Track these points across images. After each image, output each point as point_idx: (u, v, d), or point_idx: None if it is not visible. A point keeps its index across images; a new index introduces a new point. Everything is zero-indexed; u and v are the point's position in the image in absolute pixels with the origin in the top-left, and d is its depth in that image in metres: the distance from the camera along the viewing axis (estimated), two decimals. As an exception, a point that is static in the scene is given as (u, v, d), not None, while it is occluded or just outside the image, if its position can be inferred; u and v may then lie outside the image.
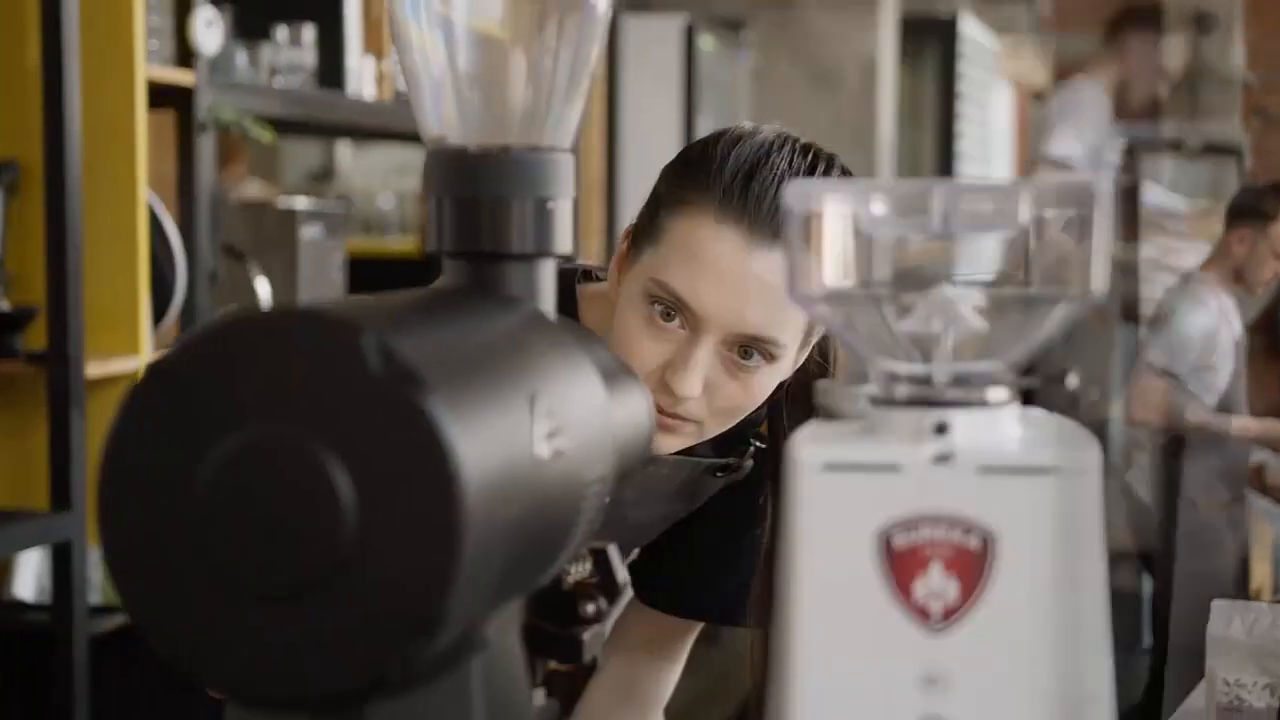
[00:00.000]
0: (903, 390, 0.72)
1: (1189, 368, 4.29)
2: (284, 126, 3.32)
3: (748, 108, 5.34)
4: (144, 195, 2.59)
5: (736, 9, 5.44)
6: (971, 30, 7.63)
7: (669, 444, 1.31)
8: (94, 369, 2.49)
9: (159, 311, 2.68)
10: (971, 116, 7.88)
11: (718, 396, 1.29)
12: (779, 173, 1.26)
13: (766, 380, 1.29)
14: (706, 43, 4.97)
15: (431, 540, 0.61)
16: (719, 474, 1.43)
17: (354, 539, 0.61)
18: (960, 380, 0.72)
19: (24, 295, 2.51)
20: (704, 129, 6.36)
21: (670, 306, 1.27)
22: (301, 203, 3.25)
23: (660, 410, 1.27)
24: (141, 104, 2.58)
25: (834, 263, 0.73)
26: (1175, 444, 4.36)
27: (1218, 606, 1.92)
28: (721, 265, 1.24)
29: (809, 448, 0.70)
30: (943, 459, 0.69)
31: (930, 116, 7.53)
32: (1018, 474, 0.69)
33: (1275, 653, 1.83)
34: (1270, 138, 9.90)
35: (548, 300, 0.84)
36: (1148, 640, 4.42)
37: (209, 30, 2.73)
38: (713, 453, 1.43)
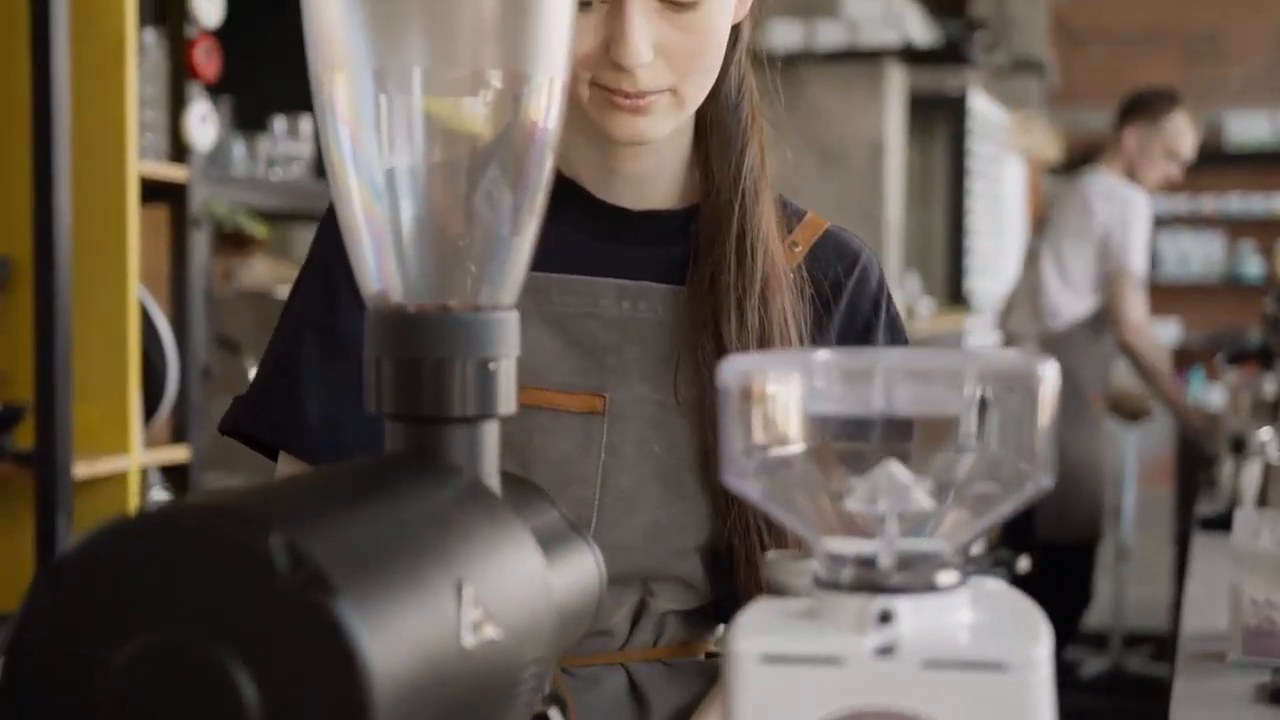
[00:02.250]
0: (847, 574, 0.69)
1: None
2: (284, 213, 3.31)
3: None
4: (135, 292, 2.58)
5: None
6: (981, 105, 7.64)
7: (650, 126, 1.21)
8: (82, 469, 2.47)
9: (151, 408, 2.66)
10: (982, 191, 7.88)
11: (673, 53, 1.18)
12: None
13: (715, 14, 1.19)
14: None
15: (337, 756, 0.58)
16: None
17: (256, 754, 0.58)
18: (906, 562, 0.69)
19: (13, 393, 2.49)
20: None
21: None
22: (300, 292, 3.23)
23: (623, 94, 1.19)
24: (134, 200, 2.57)
25: (772, 439, 0.70)
26: (1071, 335, 4.39)
27: (1242, 515, 1.78)
28: None
29: (748, 639, 0.67)
30: (886, 651, 0.66)
31: (940, 192, 7.53)
32: (964, 669, 0.66)
33: None
34: (1074, 55, 9.89)
35: (490, 463, 0.81)
36: None
37: (203, 125, 2.73)
38: None
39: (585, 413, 1.24)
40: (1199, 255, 10.27)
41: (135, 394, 2.59)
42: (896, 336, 1.34)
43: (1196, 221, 10.26)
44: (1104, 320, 4.42)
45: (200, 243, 2.77)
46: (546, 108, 0.82)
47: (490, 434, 0.81)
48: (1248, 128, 10.07)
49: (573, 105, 1.23)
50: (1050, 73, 9.84)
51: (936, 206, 7.54)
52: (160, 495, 2.89)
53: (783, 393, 0.70)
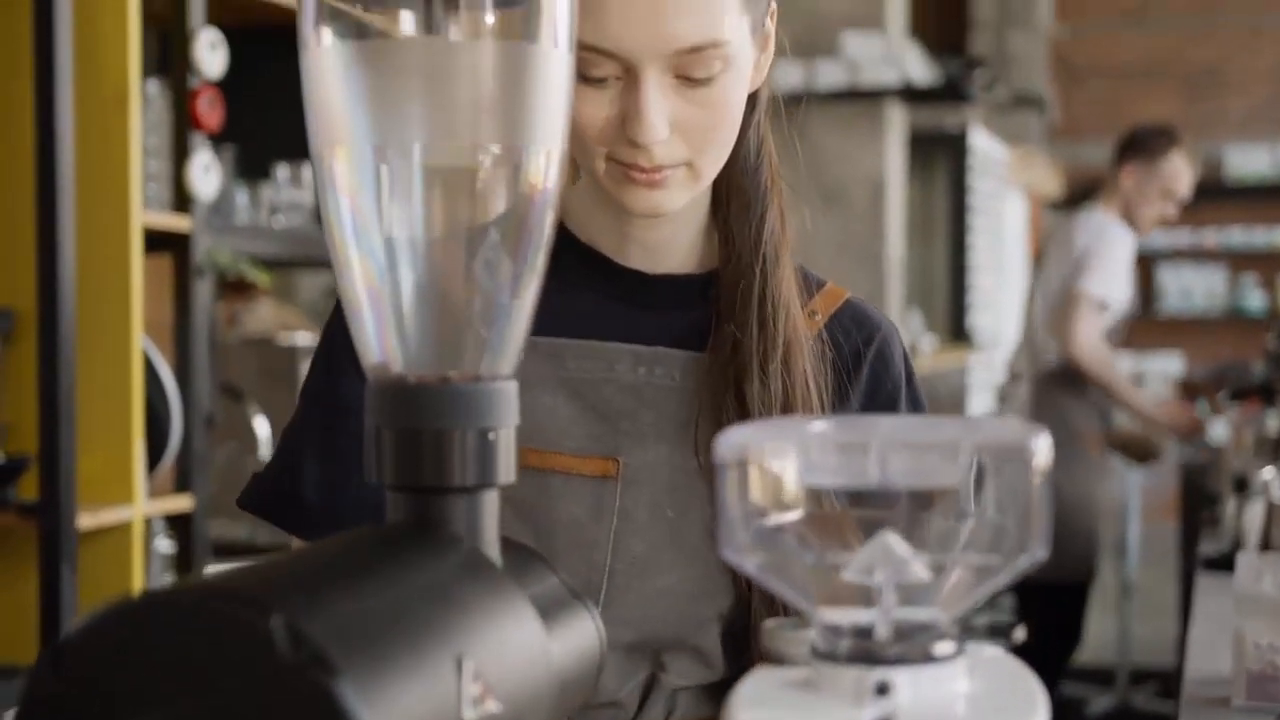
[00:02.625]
0: (844, 645, 0.69)
1: (1119, 304, 4.36)
2: (287, 260, 3.33)
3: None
4: (139, 342, 2.59)
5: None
6: (981, 142, 7.66)
7: (666, 200, 1.20)
8: (86, 520, 2.47)
9: (155, 458, 2.67)
10: (983, 227, 7.90)
11: (688, 128, 1.17)
12: None
13: (731, 89, 1.18)
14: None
15: (337, 839, 0.58)
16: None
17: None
18: (904, 632, 0.70)
19: (18, 444, 2.50)
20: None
21: (594, 63, 1.14)
22: (303, 338, 3.25)
23: (639, 169, 1.18)
24: (138, 251, 2.59)
25: (768, 511, 0.71)
26: (1066, 374, 4.40)
27: (1244, 558, 1.77)
28: None
29: (747, 711, 0.68)
30: (883, 724, 0.67)
31: (942, 228, 7.55)
32: (961, 741, 0.66)
33: None
34: (1074, 90, 9.93)
35: (490, 532, 0.82)
36: None
37: (206, 175, 2.74)
38: None
39: (598, 477, 1.24)
40: (1201, 288, 10.29)
41: (139, 444, 2.60)
42: (919, 413, 1.33)
43: (1199, 255, 10.28)
44: None
45: (203, 291, 2.78)
46: (544, 179, 0.83)
47: (490, 503, 0.82)
48: (1248, 161, 10.10)
49: (589, 175, 1.23)
50: (1051, 108, 9.88)
51: (938, 243, 7.55)
52: (164, 544, 2.90)
53: (779, 465, 0.70)
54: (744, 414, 1.23)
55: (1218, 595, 2.55)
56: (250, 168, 3.12)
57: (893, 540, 0.71)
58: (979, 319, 7.77)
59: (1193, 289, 10.32)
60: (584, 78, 1.16)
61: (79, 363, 2.48)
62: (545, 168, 0.83)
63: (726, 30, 1.15)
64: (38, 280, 2.44)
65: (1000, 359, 8.40)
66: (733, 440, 0.71)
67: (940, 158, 7.36)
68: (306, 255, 3.22)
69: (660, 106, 1.15)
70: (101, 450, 2.56)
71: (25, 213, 2.49)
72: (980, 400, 7.58)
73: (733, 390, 1.23)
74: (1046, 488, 0.69)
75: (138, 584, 2.61)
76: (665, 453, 1.24)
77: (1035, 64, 9.81)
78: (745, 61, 1.19)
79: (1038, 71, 9.82)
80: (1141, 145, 4.48)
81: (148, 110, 2.70)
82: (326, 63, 0.80)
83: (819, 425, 0.73)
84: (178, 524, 2.83)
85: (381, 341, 0.83)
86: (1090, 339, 4.32)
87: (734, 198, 1.28)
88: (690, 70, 1.15)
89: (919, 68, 5.76)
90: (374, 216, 0.81)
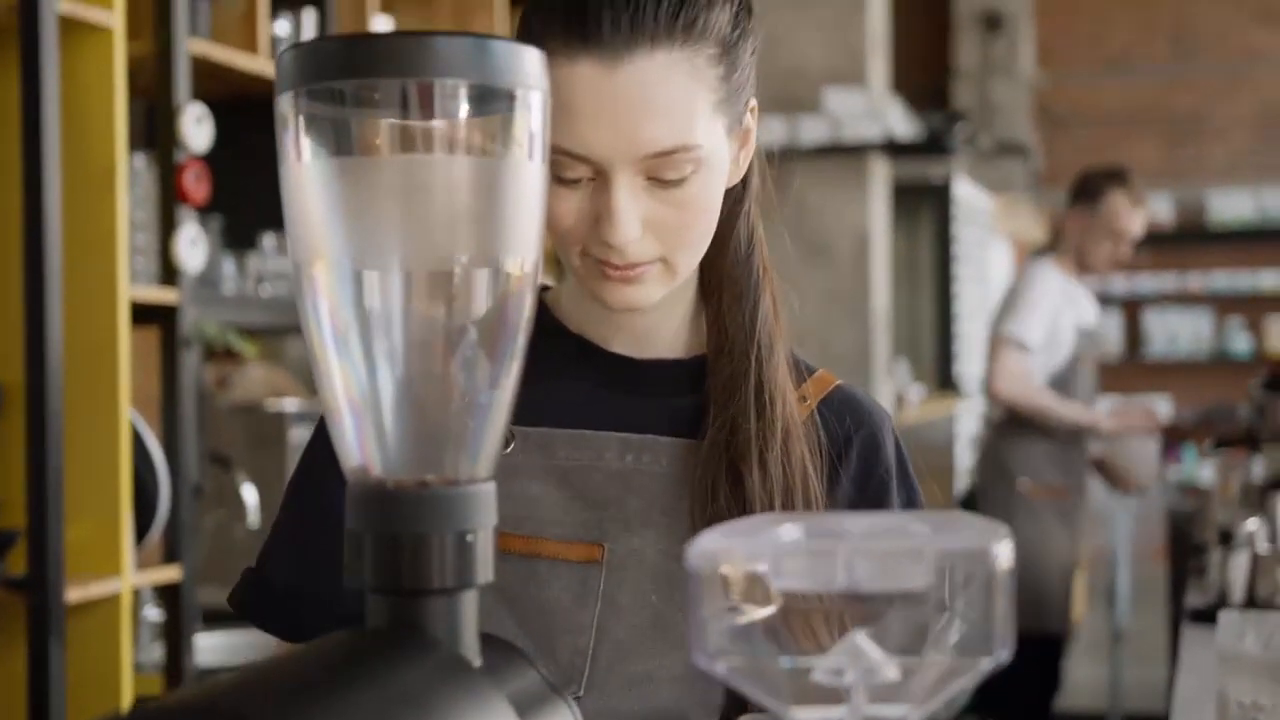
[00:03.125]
0: (815, 746, 0.71)
1: (1039, 343, 4.37)
2: (275, 329, 3.34)
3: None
4: (126, 415, 2.60)
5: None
6: (965, 192, 7.72)
7: (641, 295, 1.20)
8: (75, 593, 2.48)
9: (143, 529, 2.68)
10: (969, 275, 7.94)
11: (661, 227, 1.18)
12: None
13: (704, 188, 1.19)
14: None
15: None
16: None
17: None
18: (874, 732, 0.71)
19: (6, 518, 2.51)
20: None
21: (567, 165, 1.16)
22: (291, 404, 3.26)
23: (613, 265, 1.18)
24: (125, 324, 2.60)
25: (739, 615, 0.73)
26: (1007, 424, 4.42)
27: (1226, 617, 1.77)
28: (590, 99, 1.14)
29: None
30: (853, 825, 0.68)
31: (927, 278, 7.59)
32: (928, 842, 0.68)
33: None
34: (1058, 138, 10.00)
35: (469, 632, 0.83)
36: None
37: (193, 249, 2.77)
38: None
39: (583, 562, 1.25)
40: (1188, 333, 10.34)
41: (127, 516, 2.61)
42: (913, 499, 1.33)
43: (1184, 299, 10.34)
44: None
45: (190, 363, 2.80)
46: (520, 286, 0.85)
47: (469, 603, 0.83)
48: (1231, 206, 10.17)
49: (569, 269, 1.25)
50: (1034, 155, 9.95)
51: (924, 292, 7.59)
52: (153, 613, 2.90)
53: (750, 571, 0.72)
54: (742, 501, 1.23)
55: (1203, 648, 2.56)
56: (237, 237, 3.14)
57: (863, 641, 0.73)
58: (966, 367, 7.80)
59: (1179, 333, 10.37)
60: (558, 178, 1.17)
61: (67, 436, 2.50)
62: (521, 276, 0.85)
63: (698, 134, 1.16)
64: (25, 354, 2.46)
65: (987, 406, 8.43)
66: (704, 547, 0.73)
67: (925, 208, 7.41)
68: (294, 323, 3.24)
69: (631, 208, 1.16)
70: (89, 523, 2.57)
71: (13, 286, 2.50)
72: (968, 450, 7.61)
73: (729, 478, 1.24)
74: (1009, 591, 0.70)
75: (126, 656, 2.61)
76: (652, 538, 1.25)
77: (1018, 112, 9.89)
78: (720, 160, 1.20)
79: (1021, 120, 9.89)
80: (1083, 190, 4.51)
81: (134, 184, 2.72)
82: (306, 177, 0.82)
83: (789, 531, 0.75)
84: (166, 594, 2.84)
85: (361, 446, 0.84)
86: (1008, 376, 4.35)
87: (726, 287, 1.29)
88: (661, 172, 1.17)
89: (901, 122, 5.81)
90: (353, 325, 0.83)
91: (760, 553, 0.72)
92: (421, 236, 0.82)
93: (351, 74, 0.81)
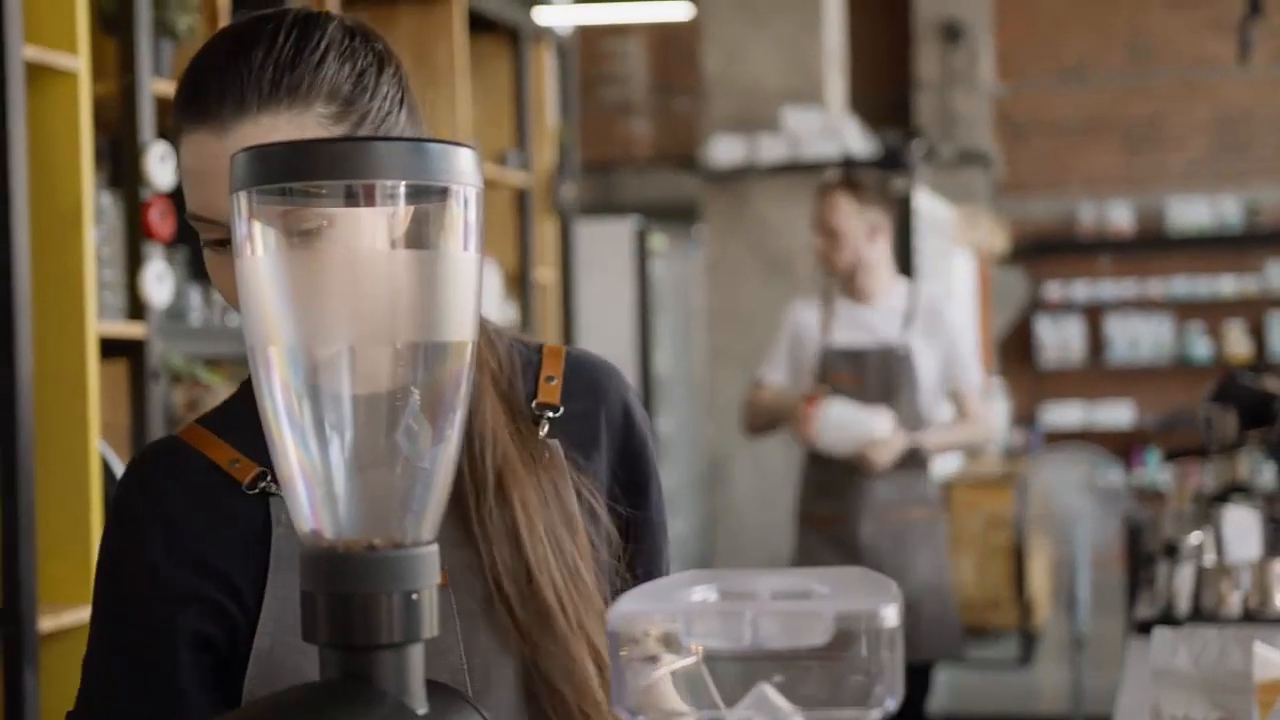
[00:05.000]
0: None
1: (775, 375, 4.25)
2: (241, 358, 3.41)
3: (702, 298, 5.46)
4: (96, 447, 2.66)
5: (687, 201, 5.60)
6: (927, 204, 7.80)
7: None
8: (47, 623, 2.54)
9: (113, 558, 2.74)
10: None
11: None
12: (237, 38, 1.22)
13: (347, 243, 1.18)
14: (658, 241, 5.10)
15: None
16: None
17: None
18: (779, 776, 0.79)
19: (-21, 552, 2.56)
20: (659, 323, 6.52)
21: (206, 229, 1.22)
22: (258, 430, 3.32)
23: None
24: (93, 359, 2.67)
25: (656, 671, 0.80)
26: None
27: (1160, 634, 1.80)
28: (206, 163, 1.20)
29: None
30: None
31: (890, 290, 7.66)
32: None
33: (1227, 684, 1.73)
34: (1018, 147, 10.12)
35: (416, 683, 0.90)
36: None
37: (159, 284, 2.83)
38: None
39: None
40: (1149, 338, 10.46)
41: (97, 547, 2.67)
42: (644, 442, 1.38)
43: (1145, 305, 10.46)
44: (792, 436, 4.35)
45: (158, 395, 2.87)
46: (459, 362, 0.92)
47: (416, 656, 0.91)
48: (1189, 213, 10.30)
49: None
50: (996, 164, 10.06)
51: (887, 304, 7.67)
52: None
53: (664, 631, 0.80)
54: (471, 540, 1.27)
55: (1147, 659, 2.63)
56: (202, 269, 3.20)
57: (769, 692, 0.80)
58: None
59: (1140, 339, 10.49)
60: (207, 244, 1.23)
61: (38, 468, 2.56)
62: (458, 350, 0.93)
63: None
64: (-4, 390, 2.52)
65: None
66: (623, 610, 0.80)
67: (885, 221, 7.48)
68: (259, 352, 3.30)
69: None
70: (61, 553, 2.64)
71: (-18, 323, 2.56)
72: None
73: (463, 523, 1.27)
74: (896, 647, 0.78)
75: (99, 682, 2.67)
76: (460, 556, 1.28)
77: (979, 122, 10.00)
78: (358, 214, 1.24)
79: (982, 130, 10.00)
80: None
81: (101, 222, 2.78)
82: (259, 269, 0.90)
83: (700, 593, 0.82)
84: (138, 620, 2.90)
85: (314, 512, 0.92)
86: (743, 406, 4.36)
87: None
88: (293, 228, 1.16)
89: (858, 141, 5.90)
90: (305, 401, 0.90)
91: (674, 615, 0.80)
92: (367, 320, 0.90)
93: (298, 176, 0.88)
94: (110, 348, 2.79)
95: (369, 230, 0.91)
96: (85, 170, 2.65)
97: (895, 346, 4.24)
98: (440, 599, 1.28)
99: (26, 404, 2.52)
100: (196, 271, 3.19)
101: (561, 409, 1.34)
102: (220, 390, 4.21)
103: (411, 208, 0.89)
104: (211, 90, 1.21)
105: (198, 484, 1.29)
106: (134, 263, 2.84)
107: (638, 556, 1.37)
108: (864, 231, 4.21)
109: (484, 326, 1.32)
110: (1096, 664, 5.93)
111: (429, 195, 0.89)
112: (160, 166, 2.84)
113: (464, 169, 0.90)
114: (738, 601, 0.80)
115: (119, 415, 2.85)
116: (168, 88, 2.95)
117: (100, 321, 2.72)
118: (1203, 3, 10.10)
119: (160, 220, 2.83)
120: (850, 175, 4.49)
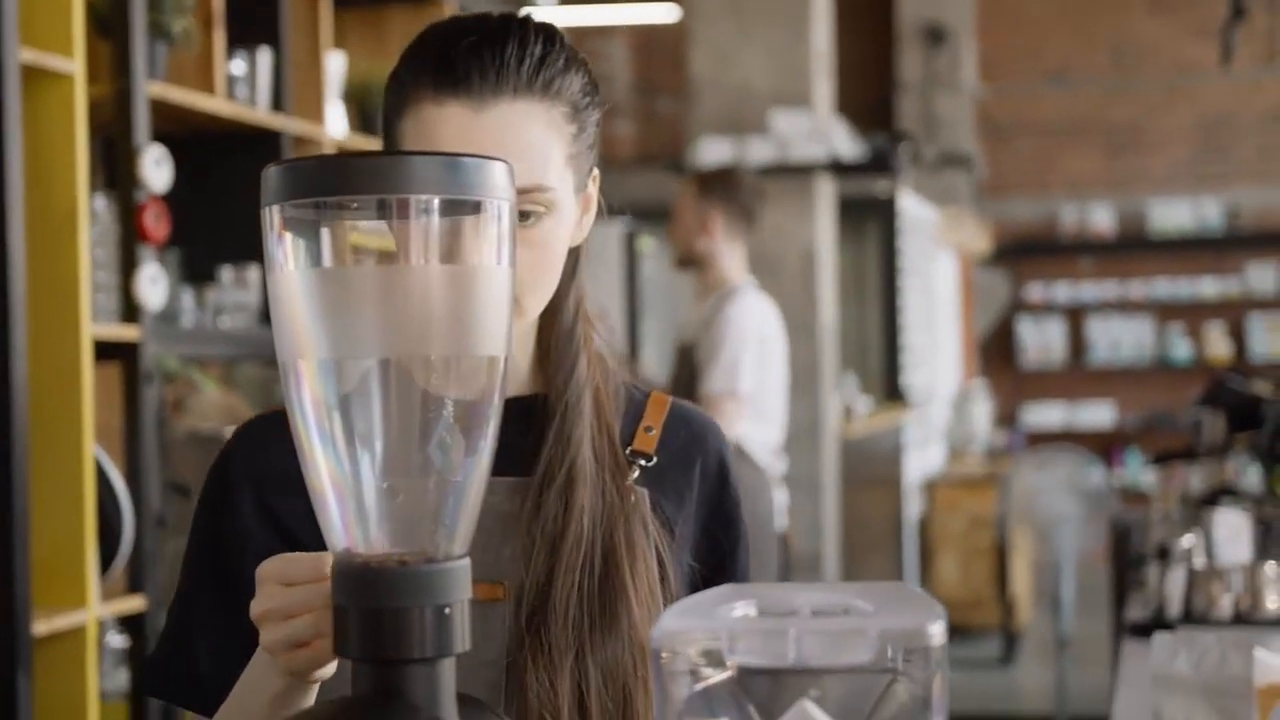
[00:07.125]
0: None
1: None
2: (233, 359, 3.40)
3: (689, 303, 5.45)
4: (90, 450, 2.65)
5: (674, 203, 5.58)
6: (910, 205, 7.82)
7: None
8: (40, 626, 2.53)
9: (107, 560, 2.73)
10: (915, 287, 8.05)
11: (518, 265, 1.22)
12: (487, 27, 1.25)
13: (555, 231, 1.26)
14: (646, 244, 5.09)
15: None
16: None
17: None
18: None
19: (-27, 555, 2.55)
20: (647, 327, 6.52)
21: None
22: (249, 432, 3.31)
23: None
24: (88, 362, 2.66)
25: (698, 687, 0.80)
26: None
27: (1160, 638, 1.79)
28: (457, 137, 1.22)
29: None
30: None
31: (874, 291, 7.69)
32: None
33: (1228, 689, 1.72)
34: (1001, 149, 10.15)
35: (447, 696, 0.90)
36: None
37: (153, 286, 2.82)
38: None
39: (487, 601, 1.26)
40: (1130, 340, 10.49)
41: (92, 549, 2.66)
42: (735, 514, 1.39)
43: (1126, 306, 10.49)
44: None
45: (152, 398, 2.86)
46: (490, 376, 0.92)
47: (448, 670, 0.91)
48: (1170, 215, 10.33)
49: None
50: (979, 166, 10.07)
51: (870, 305, 7.69)
52: (117, 642, 2.95)
53: (707, 649, 0.80)
54: (530, 535, 1.27)
55: (1142, 662, 2.64)
56: (195, 271, 3.20)
57: (810, 708, 0.80)
58: (913, 377, 7.90)
59: (1121, 340, 10.52)
60: None
61: (32, 470, 2.55)
62: (491, 364, 0.92)
63: (552, 178, 1.24)
64: (-10, 393, 2.51)
65: (934, 415, 8.56)
66: (665, 627, 0.80)
67: (870, 222, 7.51)
68: (252, 353, 3.30)
69: None
70: (55, 556, 2.62)
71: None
72: (915, 458, 7.72)
73: (528, 514, 1.28)
74: (943, 664, 0.78)
75: (92, 686, 2.66)
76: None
77: (962, 124, 10.01)
78: (568, 211, 1.28)
79: (965, 132, 10.01)
80: None
81: (95, 225, 2.77)
82: (291, 283, 0.89)
83: (740, 608, 0.82)
84: (130, 624, 2.89)
85: (346, 528, 0.92)
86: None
87: (554, 347, 1.34)
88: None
89: (845, 143, 5.90)
90: (337, 419, 0.90)
91: (717, 632, 0.80)
92: (399, 335, 0.90)
93: (332, 191, 0.88)
94: (104, 350, 2.78)
95: (402, 244, 0.89)
96: (80, 173, 2.64)
97: (688, 346, 4.26)
98: (495, 612, 1.29)
99: (21, 406, 2.51)
100: (190, 273, 3.19)
101: (655, 459, 1.35)
102: (210, 391, 4.20)
103: (444, 222, 0.89)
104: (471, 66, 1.22)
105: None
106: (128, 265, 2.83)
107: None
108: (697, 223, 4.19)
109: (603, 364, 1.34)
110: (1080, 664, 5.95)
111: (463, 209, 0.89)
112: (155, 170, 2.83)
113: (498, 183, 0.90)
114: (780, 619, 0.80)
115: (113, 417, 2.84)
116: (163, 90, 2.94)
117: (94, 324, 2.71)
118: (1185, 7, 10.13)
119: (155, 224, 2.82)
120: (713, 170, 4.45)
